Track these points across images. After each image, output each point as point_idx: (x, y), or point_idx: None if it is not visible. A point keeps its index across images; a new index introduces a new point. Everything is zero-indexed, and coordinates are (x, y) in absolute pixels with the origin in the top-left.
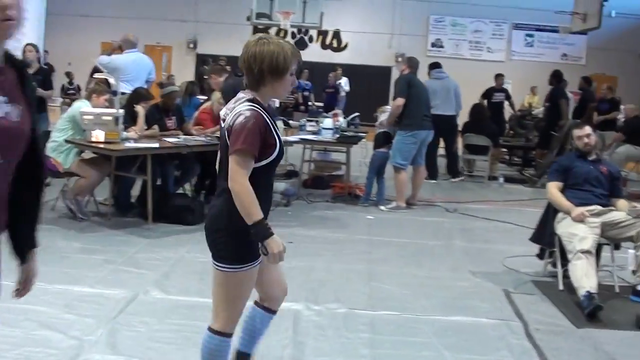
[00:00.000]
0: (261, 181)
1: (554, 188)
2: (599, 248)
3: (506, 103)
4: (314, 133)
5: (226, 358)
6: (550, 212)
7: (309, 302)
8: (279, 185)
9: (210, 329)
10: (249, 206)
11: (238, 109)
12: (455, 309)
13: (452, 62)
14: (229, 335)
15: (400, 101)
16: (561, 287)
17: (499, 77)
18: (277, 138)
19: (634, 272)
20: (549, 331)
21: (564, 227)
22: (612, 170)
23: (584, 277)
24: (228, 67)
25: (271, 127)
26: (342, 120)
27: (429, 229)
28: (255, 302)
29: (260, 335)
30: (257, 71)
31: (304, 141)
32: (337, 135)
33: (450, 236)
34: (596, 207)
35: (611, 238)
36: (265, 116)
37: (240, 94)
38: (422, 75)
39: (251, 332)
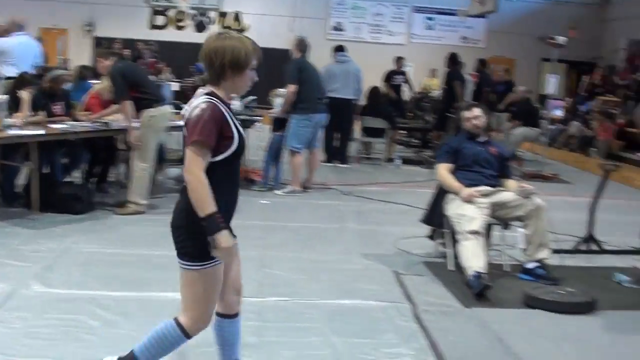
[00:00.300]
0: (222, 176)
1: (443, 169)
2: (489, 228)
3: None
4: None
5: (169, 352)
6: (441, 194)
7: None
8: (173, 171)
9: (176, 321)
10: (201, 197)
11: (195, 103)
12: (345, 292)
13: (353, 46)
14: (189, 336)
15: (293, 87)
16: (451, 267)
17: (399, 60)
18: (235, 131)
19: (523, 250)
20: (438, 312)
21: (453, 208)
22: (501, 151)
23: (472, 257)
24: (126, 51)
25: (229, 119)
26: (237, 104)
27: (323, 212)
28: (217, 314)
29: (235, 343)
30: (218, 65)
31: None
32: None
33: (344, 219)
34: (485, 187)
35: (500, 218)
36: (222, 108)
37: (200, 89)
38: (327, 58)
39: (224, 344)
